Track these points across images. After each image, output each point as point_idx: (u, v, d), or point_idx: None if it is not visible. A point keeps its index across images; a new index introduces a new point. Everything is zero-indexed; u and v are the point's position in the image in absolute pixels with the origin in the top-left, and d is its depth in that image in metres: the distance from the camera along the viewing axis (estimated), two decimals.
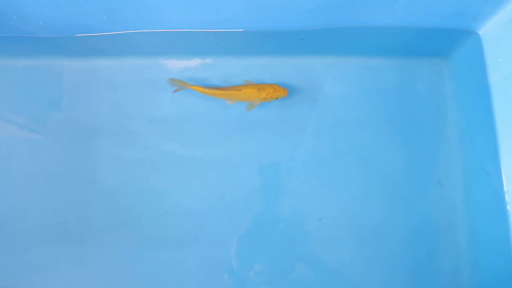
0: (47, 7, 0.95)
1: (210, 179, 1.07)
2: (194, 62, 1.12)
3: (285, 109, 1.09)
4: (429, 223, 1.06)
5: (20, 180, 1.07)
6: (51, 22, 1.00)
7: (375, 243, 1.05)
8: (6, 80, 1.11)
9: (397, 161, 1.08)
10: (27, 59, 1.11)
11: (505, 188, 0.95)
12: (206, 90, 1.04)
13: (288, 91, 1.05)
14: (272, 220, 1.05)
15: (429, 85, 1.12)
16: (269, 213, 1.05)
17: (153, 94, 1.11)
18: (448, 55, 1.12)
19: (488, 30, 1.02)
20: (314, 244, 1.04)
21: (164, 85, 1.11)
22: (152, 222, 1.06)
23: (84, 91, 1.11)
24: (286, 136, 1.08)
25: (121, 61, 1.13)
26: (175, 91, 1.07)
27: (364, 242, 1.05)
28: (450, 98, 1.10)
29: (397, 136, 1.09)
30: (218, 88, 1.04)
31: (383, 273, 1.04)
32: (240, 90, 1.02)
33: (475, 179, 1.03)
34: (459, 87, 1.09)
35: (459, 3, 0.96)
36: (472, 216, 1.03)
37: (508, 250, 0.93)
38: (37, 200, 1.06)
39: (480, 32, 1.04)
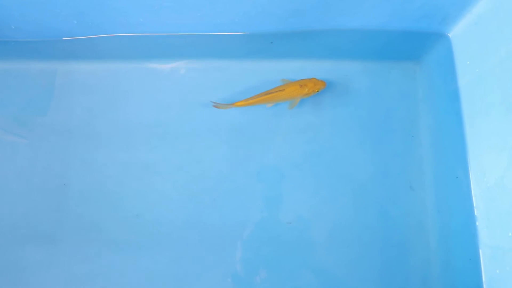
0: (17, 11, 0.97)
1: (180, 182, 1.07)
2: (168, 65, 1.13)
3: (255, 113, 1.10)
4: (400, 227, 1.04)
5: None
6: (23, 26, 1.02)
7: (345, 247, 1.04)
8: None
9: (368, 164, 1.08)
10: (1, 62, 1.12)
11: (473, 192, 0.94)
12: (250, 101, 1.04)
13: (326, 83, 1.05)
14: (241, 223, 1.05)
15: (401, 89, 1.11)
16: (238, 217, 1.05)
17: (127, 98, 1.12)
18: (421, 59, 1.11)
19: (457, 33, 1.01)
20: (282, 247, 1.03)
21: (137, 89, 1.12)
22: (122, 225, 1.06)
23: (58, 94, 1.12)
24: (257, 140, 1.09)
25: (96, 64, 1.14)
26: (216, 107, 1.07)
27: (335, 246, 1.04)
28: (422, 102, 1.10)
29: (369, 140, 1.09)
30: (261, 94, 1.04)
31: (354, 277, 1.03)
32: (284, 90, 1.03)
33: (446, 183, 1.02)
34: (431, 91, 1.09)
35: (426, 5, 0.96)
36: (443, 220, 1.02)
37: (475, 255, 0.91)
38: (9, 201, 1.07)
39: (450, 35, 1.03)
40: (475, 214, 0.93)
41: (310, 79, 1.04)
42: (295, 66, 1.12)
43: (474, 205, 0.93)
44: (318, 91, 1.04)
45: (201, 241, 1.04)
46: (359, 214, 1.05)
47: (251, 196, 1.06)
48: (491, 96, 0.90)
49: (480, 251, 0.91)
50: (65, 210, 1.07)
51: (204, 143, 1.09)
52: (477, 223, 0.92)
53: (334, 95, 1.10)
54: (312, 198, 1.06)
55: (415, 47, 1.09)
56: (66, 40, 1.08)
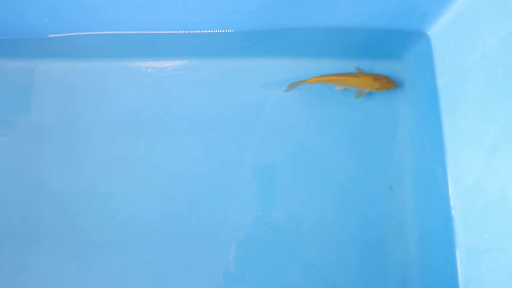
0: None
1: (156, 183, 1.06)
2: (144, 64, 1.12)
3: (232, 111, 1.08)
4: (379, 228, 1.03)
5: None
6: None
7: (323, 248, 1.02)
8: None
9: (348, 165, 1.06)
10: None
11: (450, 193, 0.93)
12: (323, 78, 1.03)
13: (397, 85, 1.05)
14: (218, 224, 1.03)
15: None
16: (215, 218, 1.04)
17: (103, 97, 1.11)
18: (401, 57, 1.10)
19: (436, 31, 1.00)
20: (259, 248, 1.02)
21: (113, 88, 1.10)
22: (98, 226, 1.04)
23: (32, 93, 1.10)
24: (234, 140, 1.07)
25: (71, 63, 1.12)
26: (287, 90, 1.06)
27: (313, 247, 1.03)
28: (402, 101, 1.09)
29: (348, 140, 1.07)
30: (334, 74, 1.04)
31: (332, 278, 1.02)
32: (358, 77, 1.03)
33: (425, 183, 1.01)
34: (411, 90, 1.07)
35: (404, 3, 0.95)
36: (421, 221, 1.01)
37: (452, 256, 0.90)
38: None
39: (429, 34, 1.02)
40: (453, 215, 0.92)
41: (384, 76, 1.05)
42: (274, 64, 1.10)
43: (452, 206, 0.92)
44: (387, 90, 1.04)
45: (178, 241, 1.03)
46: (338, 214, 1.04)
47: (228, 197, 1.04)
48: (469, 96, 0.88)
49: (457, 252, 0.90)
50: (39, 212, 1.05)
51: (181, 142, 1.07)
52: (454, 224, 0.91)
53: (313, 94, 1.08)
54: (291, 199, 1.04)
55: (395, 45, 1.08)
56: (39, 38, 1.06)
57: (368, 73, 1.06)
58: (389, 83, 1.04)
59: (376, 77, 1.03)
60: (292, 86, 1.05)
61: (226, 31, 1.01)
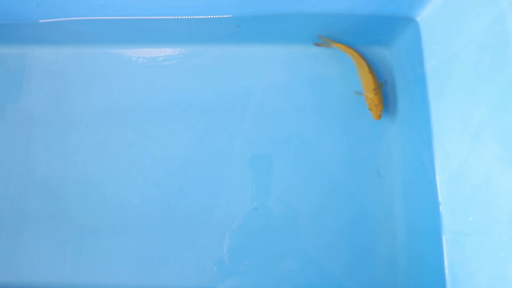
0: None
1: (145, 168, 1.06)
2: (133, 50, 1.12)
3: (222, 98, 1.08)
4: (367, 213, 1.04)
5: None
6: None
7: (312, 234, 1.03)
8: None
9: (337, 150, 1.07)
10: None
11: (437, 177, 0.94)
12: (350, 50, 1.03)
13: (380, 119, 1.02)
14: (206, 209, 1.04)
15: None
16: (204, 203, 1.04)
17: (91, 84, 1.10)
18: (390, 44, 1.10)
19: (425, 17, 1.00)
20: (248, 234, 1.03)
21: (102, 74, 1.10)
22: (87, 212, 1.05)
23: (20, 80, 1.10)
24: (224, 126, 1.07)
25: (61, 49, 1.12)
26: (318, 44, 1.06)
27: (302, 232, 1.03)
28: (391, 87, 1.09)
29: (337, 126, 1.08)
30: (361, 55, 1.03)
31: (321, 264, 1.02)
32: (370, 73, 1.00)
33: (412, 168, 1.01)
34: (400, 76, 1.07)
35: None
36: (409, 206, 1.02)
37: (439, 240, 0.91)
38: None
39: (418, 19, 1.02)
40: (439, 199, 0.92)
41: (381, 102, 1.01)
42: (263, 50, 1.10)
43: (439, 190, 0.93)
44: (369, 109, 1.02)
45: (167, 227, 1.03)
46: (326, 200, 1.05)
47: (217, 182, 1.05)
48: (456, 80, 0.88)
49: (443, 236, 0.90)
50: (29, 198, 1.05)
51: (170, 129, 1.07)
52: (440, 209, 0.92)
53: (302, 80, 1.09)
54: (280, 185, 1.05)
55: (384, 31, 1.07)
56: (29, 24, 1.05)
57: (379, 83, 1.02)
58: (376, 109, 1.00)
59: (377, 91, 1.00)
60: (323, 40, 1.04)
61: (215, 16, 1.01)
